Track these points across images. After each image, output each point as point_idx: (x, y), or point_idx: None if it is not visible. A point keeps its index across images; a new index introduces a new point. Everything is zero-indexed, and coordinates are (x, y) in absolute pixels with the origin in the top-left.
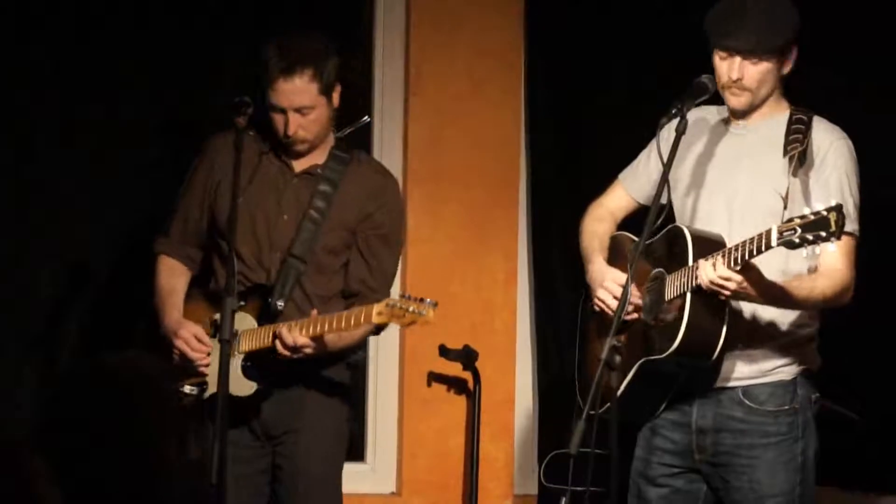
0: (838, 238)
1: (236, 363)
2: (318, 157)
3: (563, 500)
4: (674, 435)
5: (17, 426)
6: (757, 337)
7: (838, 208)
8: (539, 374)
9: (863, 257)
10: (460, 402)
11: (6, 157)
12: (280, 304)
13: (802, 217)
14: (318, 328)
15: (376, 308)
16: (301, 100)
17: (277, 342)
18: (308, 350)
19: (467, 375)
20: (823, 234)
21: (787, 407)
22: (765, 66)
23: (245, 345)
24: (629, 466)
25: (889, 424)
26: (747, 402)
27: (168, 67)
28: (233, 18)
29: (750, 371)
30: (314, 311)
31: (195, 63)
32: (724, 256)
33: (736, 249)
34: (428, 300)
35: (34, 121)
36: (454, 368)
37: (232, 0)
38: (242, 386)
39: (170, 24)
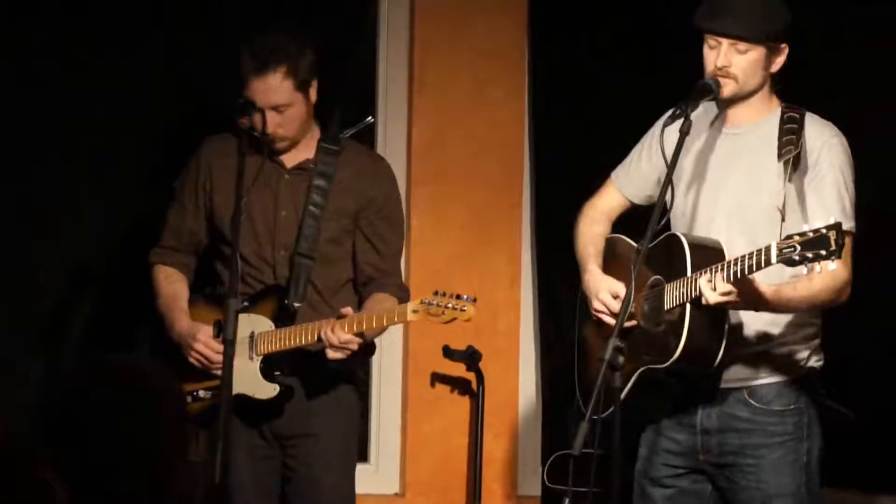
0: (839, 257)
1: (255, 366)
2: (307, 152)
3: (566, 500)
4: (678, 435)
5: (21, 427)
6: (759, 339)
7: (837, 226)
8: (542, 376)
9: (861, 253)
10: (464, 402)
11: (6, 157)
12: (297, 304)
13: (802, 234)
14: (352, 328)
15: (410, 306)
16: (276, 98)
17: (327, 344)
18: (354, 346)
19: (471, 376)
20: (823, 252)
21: (792, 406)
22: (752, 56)
23: (264, 347)
24: (633, 467)
25: (887, 423)
26: (753, 402)
27: (168, 67)
28: (234, 18)
29: (754, 371)
30: (348, 309)
31: (196, 63)
32: (722, 270)
33: (735, 263)
34: (466, 296)
35: (35, 120)
36: (458, 369)
37: None
38: (264, 388)
39: (171, 23)
